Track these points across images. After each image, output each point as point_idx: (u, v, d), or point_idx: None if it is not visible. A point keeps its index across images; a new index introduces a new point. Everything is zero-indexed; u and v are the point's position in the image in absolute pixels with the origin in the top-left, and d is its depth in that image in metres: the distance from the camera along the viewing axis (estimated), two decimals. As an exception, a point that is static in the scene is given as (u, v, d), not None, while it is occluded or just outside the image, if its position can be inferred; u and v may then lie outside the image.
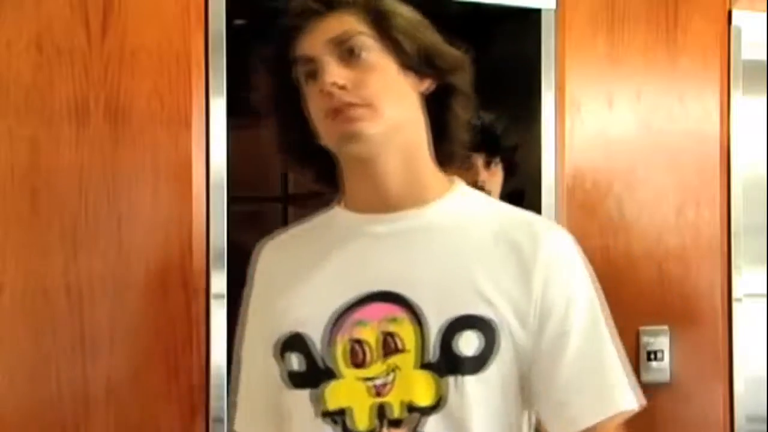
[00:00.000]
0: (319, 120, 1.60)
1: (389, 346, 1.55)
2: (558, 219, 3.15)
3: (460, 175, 2.22)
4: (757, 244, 3.54)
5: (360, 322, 1.57)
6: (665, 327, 3.30)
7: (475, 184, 2.54)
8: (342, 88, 1.55)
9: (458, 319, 1.55)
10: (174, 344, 2.60)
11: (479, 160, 2.80)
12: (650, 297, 3.29)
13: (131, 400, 2.58)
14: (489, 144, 2.80)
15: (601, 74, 3.24)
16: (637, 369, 3.27)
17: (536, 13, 3.15)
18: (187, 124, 2.63)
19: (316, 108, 1.60)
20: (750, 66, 3.45)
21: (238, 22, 3.00)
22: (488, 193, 2.66)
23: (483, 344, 1.56)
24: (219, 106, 2.67)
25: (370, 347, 1.56)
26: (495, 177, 2.83)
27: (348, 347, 1.57)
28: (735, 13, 3.41)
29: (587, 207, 3.21)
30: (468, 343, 1.54)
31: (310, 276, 1.65)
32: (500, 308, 1.56)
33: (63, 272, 2.53)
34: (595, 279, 1.76)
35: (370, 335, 1.56)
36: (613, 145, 3.25)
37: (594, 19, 3.23)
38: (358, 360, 1.56)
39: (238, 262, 2.73)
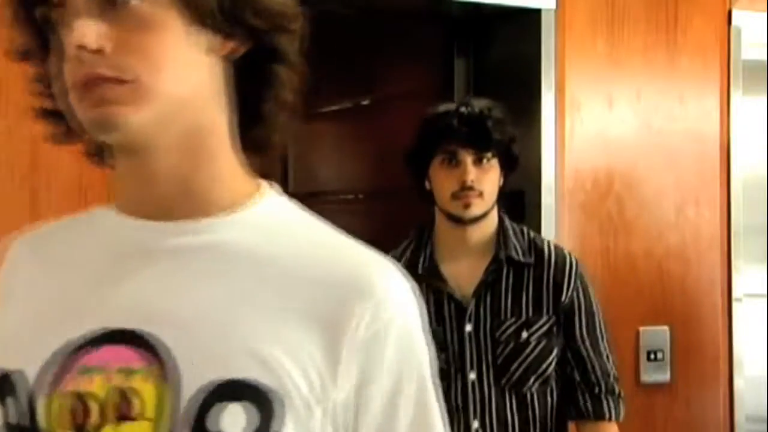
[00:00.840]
0: (67, 90, 1.14)
1: (121, 408, 1.07)
2: (558, 219, 3.16)
3: (446, 174, 2.19)
4: (757, 244, 3.54)
5: (88, 370, 1.10)
6: (665, 327, 3.30)
7: (463, 186, 2.37)
8: (96, 52, 1.07)
9: (222, 385, 1.06)
10: (174, 344, 2.60)
11: (468, 157, 2.39)
12: (650, 297, 3.30)
13: (131, 400, 2.57)
14: (479, 137, 2.40)
15: (601, 74, 3.24)
16: (637, 369, 3.27)
17: (536, 13, 3.15)
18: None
19: (64, 72, 1.13)
20: (750, 66, 3.45)
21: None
22: (479, 195, 2.40)
23: (256, 423, 1.06)
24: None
25: (98, 406, 1.08)
26: (488, 175, 2.40)
27: (68, 403, 1.08)
28: (735, 13, 3.41)
29: (587, 207, 3.22)
30: (233, 421, 1.05)
31: (45, 291, 1.18)
32: (285, 375, 1.07)
33: (63, 272, 2.53)
34: (427, 330, 1.18)
35: (99, 389, 1.08)
36: (613, 145, 3.25)
37: (594, 19, 3.23)
38: (78, 421, 1.08)
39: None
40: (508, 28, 3.28)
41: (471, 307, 2.41)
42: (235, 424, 1.06)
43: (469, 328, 2.40)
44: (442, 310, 2.41)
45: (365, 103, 4.15)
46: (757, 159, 3.51)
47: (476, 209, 2.39)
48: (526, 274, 2.43)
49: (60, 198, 2.54)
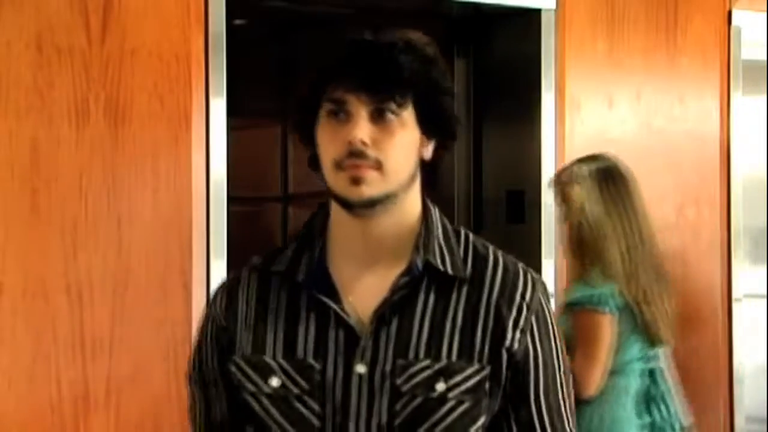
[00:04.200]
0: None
1: None
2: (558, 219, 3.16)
3: (330, 135, 1.55)
4: (757, 244, 3.54)
5: None
6: (665, 327, 3.30)
7: (350, 151, 1.53)
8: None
9: None
10: (174, 344, 2.60)
11: (360, 108, 1.54)
12: (650, 297, 3.29)
13: (131, 400, 2.58)
14: (378, 77, 1.55)
15: (601, 74, 3.24)
16: (637, 369, 3.27)
17: (536, 13, 3.15)
18: (187, 124, 2.63)
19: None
20: (750, 66, 3.45)
21: (238, 22, 3.00)
22: (375, 165, 1.53)
23: None
24: (219, 106, 2.67)
25: None
26: (393, 138, 1.54)
27: None
28: (735, 13, 3.41)
29: (587, 207, 3.21)
30: None
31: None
32: None
33: (63, 272, 2.53)
34: None
35: None
36: (613, 145, 3.25)
37: (594, 19, 3.23)
38: None
39: (238, 262, 2.73)
40: (508, 28, 3.28)
41: (367, 338, 1.55)
42: None
43: (361, 368, 1.55)
44: (326, 336, 1.57)
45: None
46: (757, 159, 3.52)
47: (370, 188, 1.54)
48: (456, 294, 1.59)
49: (60, 198, 2.54)
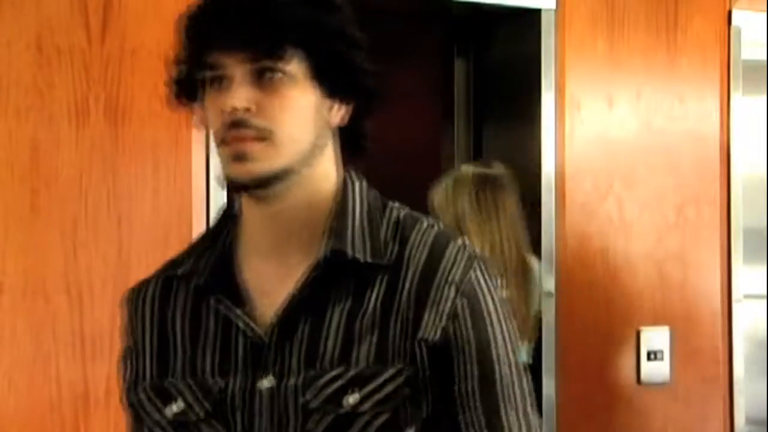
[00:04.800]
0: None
1: None
2: (558, 219, 3.15)
3: (212, 105, 1.31)
4: (757, 244, 3.54)
5: None
6: (665, 327, 3.30)
7: (232, 120, 1.28)
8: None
9: None
10: (174, 344, 2.60)
11: (236, 68, 1.29)
12: (650, 297, 3.29)
13: (131, 400, 2.58)
14: (255, 30, 1.27)
15: (601, 74, 3.24)
16: (637, 369, 3.27)
17: (536, 13, 3.15)
18: (187, 124, 2.63)
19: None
20: (750, 66, 3.45)
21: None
22: (261, 136, 1.27)
23: None
24: (219, 106, 2.67)
25: None
26: (283, 101, 1.29)
27: None
28: (735, 13, 3.41)
29: (587, 207, 3.21)
30: None
31: None
32: None
33: (63, 272, 2.53)
34: None
35: None
36: (613, 145, 3.25)
37: (594, 19, 3.23)
38: None
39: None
40: (508, 28, 3.28)
41: (271, 347, 1.32)
42: None
43: (265, 384, 1.31)
44: (229, 349, 1.34)
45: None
46: (757, 159, 3.51)
47: (258, 163, 1.28)
48: (374, 286, 1.32)
49: (60, 198, 2.54)
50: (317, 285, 1.30)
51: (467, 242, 1.34)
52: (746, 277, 3.44)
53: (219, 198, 2.67)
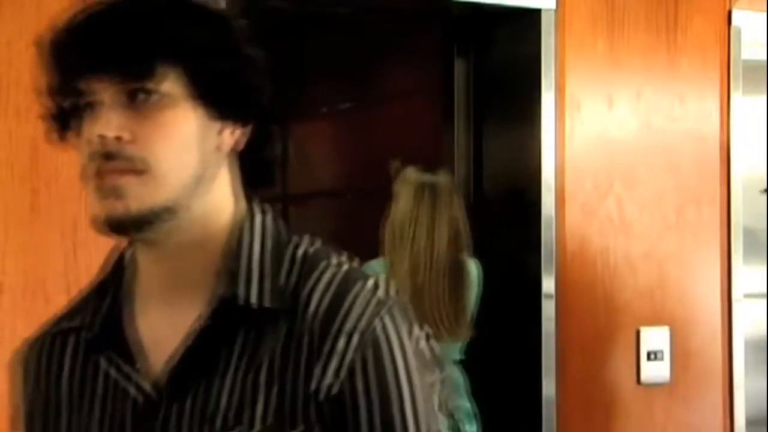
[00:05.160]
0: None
1: None
2: (558, 219, 3.15)
3: (82, 131, 1.13)
4: (757, 244, 3.54)
5: None
6: (665, 327, 3.30)
7: (95, 151, 1.12)
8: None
9: None
10: (174, 344, 2.60)
11: (102, 93, 1.13)
12: (650, 297, 3.29)
13: (131, 400, 2.57)
14: (111, 47, 1.12)
15: (601, 74, 3.24)
16: (637, 369, 3.27)
17: (536, 13, 3.15)
18: (187, 124, 2.63)
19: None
20: (750, 66, 3.45)
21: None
22: (131, 168, 1.11)
23: None
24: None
25: None
26: (155, 127, 1.12)
27: None
28: (735, 13, 3.41)
29: (587, 207, 3.21)
30: None
31: None
32: None
33: (63, 272, 2.53)
34: None
35: None
36: (613, 145, 3.25)
37: (594, 19, 3.23)
38: None
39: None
40: (508, 28, 3.28)
41: (161, 407, 1.16)
42: None
43: None
44: (120, 413, 1.19)
45: (366, 103, 4.14)
46: (757, 159, 3.51)
47: (130, 200, 1.13)
48: (272, 335, 1.15)
49: (60, 198, 2.54)
50: (209, 335, 1.12)
51: (381, 283, 1.13)
52: (746, 277, 3.44)
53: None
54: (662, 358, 3.28)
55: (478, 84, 3.40)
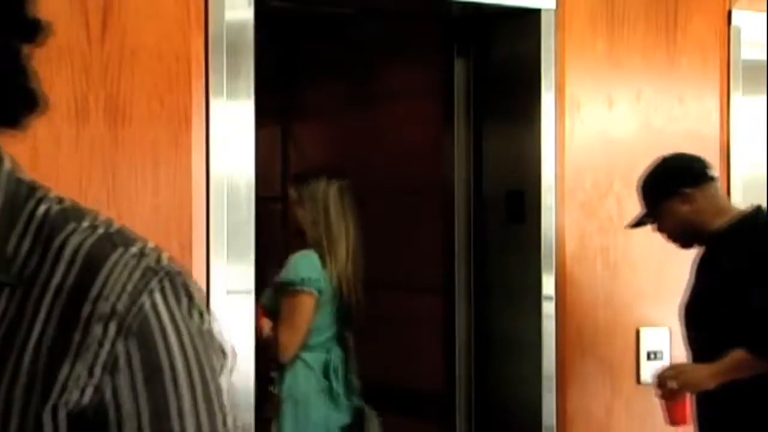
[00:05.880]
0: None
1: None
2: (558, 219, 3.15)
3: None
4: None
5: None
6: (665, 327, 3.30)
7: None
8: None
9: None
10: (174, 344, 2.60)
11: None
12: (650, 297, 3.29)
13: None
14: None
15: (601, 74, 3.24)
16: (637, 369, 3.27)
17: (536, 13, 3.15)
18: (187, 125, 2.63)
19: None
20: (750, 66, 3.45)
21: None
22: None
23: None
24: (219, 106, 2.67)
25: None
26: None
27: None
28: (735, 13, 3.41)
29: (587, 207, 3.21)
30: None
31: None
32: None
33: (63, 272, 2.53)
34: None
35: None
36: (613, 145, 3.25)
37: (594, 19, 3.23)
38: None
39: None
40: (508, 28, 3.28)
41: None
42: None
43: None
44: None
45: (366, 102, 4.15)
46: (757, 159, 3.51)
47: None
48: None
49: (60, 198, 2.54)
50: None
51: (151, 249, 0.88)
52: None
53: (219, 198, 2.67)
54: (662, 358, 3.28)
55: (478, 84, 3.40)
